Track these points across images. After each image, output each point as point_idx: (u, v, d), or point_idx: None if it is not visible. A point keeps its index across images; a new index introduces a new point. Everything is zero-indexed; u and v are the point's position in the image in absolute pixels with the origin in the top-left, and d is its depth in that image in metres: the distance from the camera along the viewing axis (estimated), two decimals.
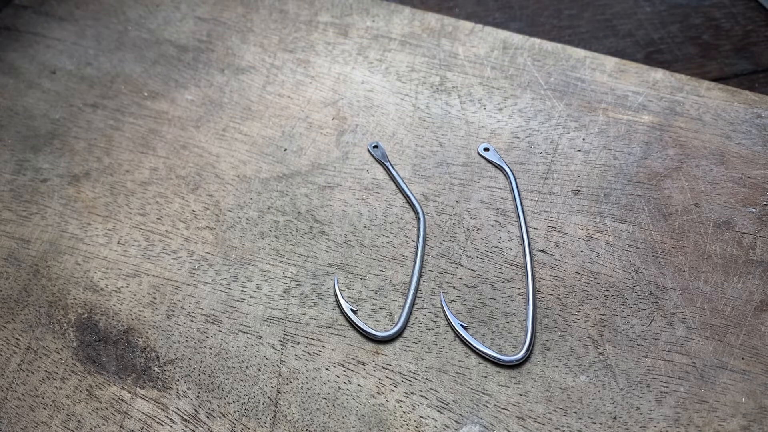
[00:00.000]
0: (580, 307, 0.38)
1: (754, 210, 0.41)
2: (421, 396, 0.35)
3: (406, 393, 0.36)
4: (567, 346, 0.37)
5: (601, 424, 0.34)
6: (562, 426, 0.34)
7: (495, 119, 0.47)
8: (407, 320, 0.38)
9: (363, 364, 0.37)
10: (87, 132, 0.48)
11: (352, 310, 0.38)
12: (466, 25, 0.53)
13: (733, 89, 0.47)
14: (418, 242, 0.41)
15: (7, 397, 0.36)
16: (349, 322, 0.38)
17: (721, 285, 0.38)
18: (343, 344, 0.37)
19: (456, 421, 0.35)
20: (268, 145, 0.46)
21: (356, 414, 0.35)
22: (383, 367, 0.36)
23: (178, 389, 0.36)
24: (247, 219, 0.43)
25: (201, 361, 0.37)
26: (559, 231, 0.41)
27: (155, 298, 0.39)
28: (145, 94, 0.50)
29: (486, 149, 0.45)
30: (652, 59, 0.53)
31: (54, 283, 0.40)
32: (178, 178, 0.45)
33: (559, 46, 0.51)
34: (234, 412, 0.35)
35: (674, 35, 0.55)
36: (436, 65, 0.50)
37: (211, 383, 0.36)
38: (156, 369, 0.37)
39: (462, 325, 0.37)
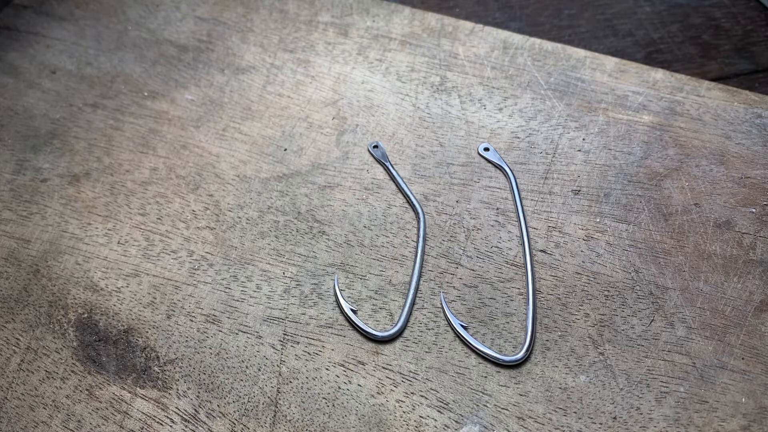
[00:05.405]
0: (580, 307, 0.38)
1: (754, 210, 0.41)
2: (421, 396, 0.35)
3: (406, 393, 0.36)
4: (567, 346, 0.37)
5: (601, 424, 0.34)
6: (562, 426, 0.34)
7: (495, 119, 0.47)
8: (407, 320, 0.38)
9: (363, 364, 0.37)
10: (87, 132, 0.48)
11: (352, 310, 0.38)
12: (466, 25, 0.53)
13: (733, 89, 0.47)
14: (418, 242, 0.41)
15: (7, 397, 0.36)
16: (349, 322, 0.38)
17: (721, 285, 0.38)
18: (343, 344, 0.37)
19: (456, 421, 0.35)
20: (268, 145, 0.46)
21: (356, 414, 0.35)
22: (383, 367, 0.36)
23: (178, 389, 0.36)
24: (247, 219, 0.43)
25: (201, 361, 0.37)
26: (559, 231, 0.41)
27: (155, 298, 0.39)
28: (145, 94, 0.50)
29: (486, 149, 0.45)
30: (652, 59, 0.53)
31: (54, 282, 0.40)
32: (178, 178, 0.45)
33: (559, 46, 0.51)
34: (234, 412, 0.35)
35: (674, 35, 0.55)
36: (436, 65, 0.50)
37: (211, 383, 0.36)
38: (156, 369, 0.37)
39: (462, 325, 0.37)
